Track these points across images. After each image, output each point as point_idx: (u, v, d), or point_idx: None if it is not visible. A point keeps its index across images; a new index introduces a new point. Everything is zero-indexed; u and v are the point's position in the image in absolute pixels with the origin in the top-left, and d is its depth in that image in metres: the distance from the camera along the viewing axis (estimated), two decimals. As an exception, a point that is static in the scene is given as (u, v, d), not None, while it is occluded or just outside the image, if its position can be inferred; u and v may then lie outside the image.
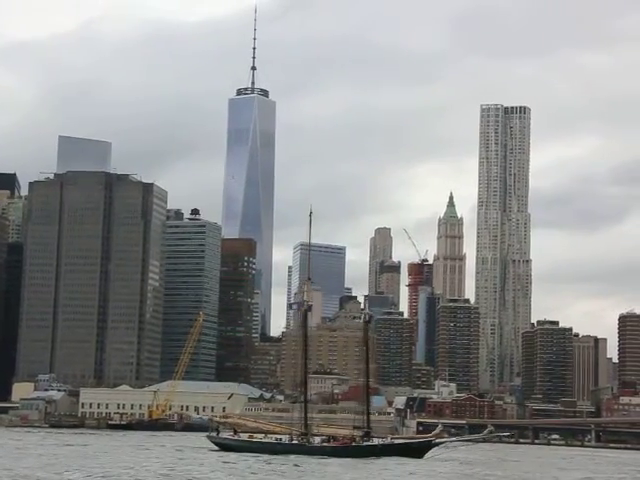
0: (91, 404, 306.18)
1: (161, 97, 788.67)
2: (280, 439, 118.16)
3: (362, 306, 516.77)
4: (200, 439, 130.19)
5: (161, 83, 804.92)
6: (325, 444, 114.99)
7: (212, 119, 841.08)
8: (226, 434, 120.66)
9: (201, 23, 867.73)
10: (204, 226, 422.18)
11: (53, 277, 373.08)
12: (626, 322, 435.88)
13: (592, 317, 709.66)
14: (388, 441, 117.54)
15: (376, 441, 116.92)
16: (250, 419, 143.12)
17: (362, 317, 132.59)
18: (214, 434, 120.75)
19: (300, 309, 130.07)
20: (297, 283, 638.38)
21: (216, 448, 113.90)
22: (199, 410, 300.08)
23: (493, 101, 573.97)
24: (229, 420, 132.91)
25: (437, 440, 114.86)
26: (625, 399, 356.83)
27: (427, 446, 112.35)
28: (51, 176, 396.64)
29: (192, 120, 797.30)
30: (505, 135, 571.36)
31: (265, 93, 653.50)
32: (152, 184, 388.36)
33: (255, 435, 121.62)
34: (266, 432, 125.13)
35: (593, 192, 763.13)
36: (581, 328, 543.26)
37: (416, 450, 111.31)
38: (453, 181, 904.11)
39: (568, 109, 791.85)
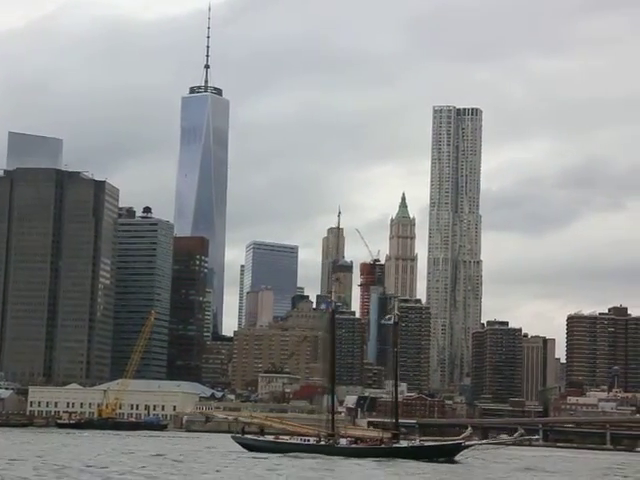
0: (40, 403, 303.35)
1: (114, 94, 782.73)
2: (307, 440, 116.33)
3: (314, 305, 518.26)
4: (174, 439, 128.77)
5: (114, 80, 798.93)
6: (354, 445, 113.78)
7: (165, 117, 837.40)
8: (252, 435, 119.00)
9: (155, 21, 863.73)
10: (156, 224, 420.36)
11: (2, 274, 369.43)
12: (574, 323, 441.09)
13: (541, 318, 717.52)
14: (417, 443, 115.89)
15: (404, 444, 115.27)
16: (276, 420, 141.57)
17: (392, 318, 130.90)
18: (239, 435, 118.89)
19: (328, 309, 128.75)
20: (249, 282, 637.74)
21: (241, 449, 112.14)
22: (149, 409, 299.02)
23: (448, 103, 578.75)
24: (255, 421, 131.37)
25: (467, 442, 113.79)
26: (572, 399, 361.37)
27: (457, 448, 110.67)
28: (1, 173, 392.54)
29: (145, 118, 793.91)
30: (457, 137, 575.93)
31: (218, 91, 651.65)
32: (104, 182, 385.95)
33: (281, 436, 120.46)
34: (292, 433, 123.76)
35: (542, 195, 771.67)
36: (530, 329, 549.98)
37: (446, 452, 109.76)
38: (406, 182, 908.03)
39: (520, 112, 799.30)
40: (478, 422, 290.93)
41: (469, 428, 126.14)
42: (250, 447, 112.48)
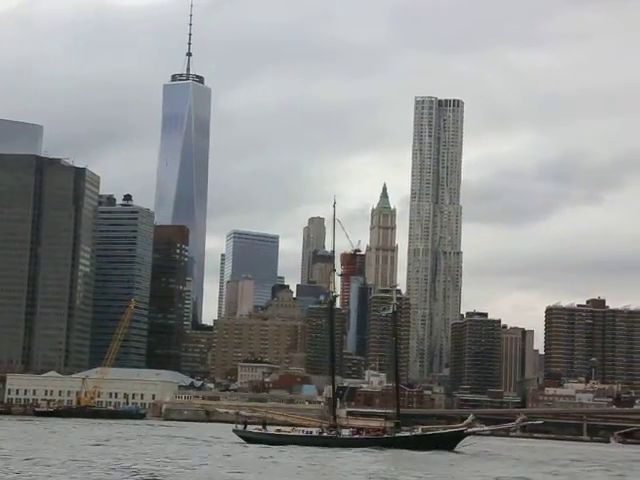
0: (18, 390, 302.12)
1: (95, 81, 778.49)
2: (310, 432, 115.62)
3: (294, 295, 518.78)
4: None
5: (95, 67, 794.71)
6: (357, 436, 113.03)
7: (146, 104, 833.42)
8: (254, 428, 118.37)
9: (137, 7, 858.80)
10: (137, 212, 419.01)
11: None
12: (552, 314, 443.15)
13: (520, 309, 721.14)
14: (419, 432, 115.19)
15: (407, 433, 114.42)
16: (278, 412, 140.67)
17: (391, 308, 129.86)
18: (241, 427, 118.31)
19: (326, 300, 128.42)
20: (230, 271, 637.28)
21: (243, 442, 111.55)
22: (128, 397, 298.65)
23: (429, 94, 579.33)
24: (257, 414, 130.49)
25: (469, 430, 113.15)
26: (550, 390, 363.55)
27: (459, 436, 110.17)
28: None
29: (126, 105, 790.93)
30: (439, 128, 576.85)
31: (200, 79, 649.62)
32: (84, 169, 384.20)
33: (283, 428, 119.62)
34: (294, 425, 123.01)
35: (522, 187, 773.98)
36: (509, 320, 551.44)
37: (449, 440, 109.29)
38: (387, 172, 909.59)
39: (502, 105, 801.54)
40: (456, 413, 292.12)
41: (471, 415, 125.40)
42: (252, 440, 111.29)
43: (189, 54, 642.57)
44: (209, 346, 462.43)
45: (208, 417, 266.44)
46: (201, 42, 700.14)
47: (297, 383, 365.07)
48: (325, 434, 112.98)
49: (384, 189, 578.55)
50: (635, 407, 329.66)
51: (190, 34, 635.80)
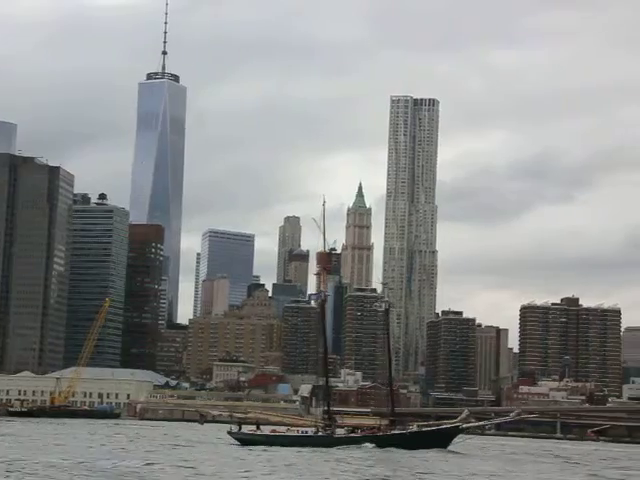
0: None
1: (70, 79, 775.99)
2: (306, 432, 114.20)
3: (270, 294, 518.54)
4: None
5: (70, 65, 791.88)
6: (352, 434, 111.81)
7: (121, 103, 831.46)
8: (248, 429, 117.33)
9: (113, 6, 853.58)
10: (111, 211, 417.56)
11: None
12: (527, 313, 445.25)
13: (494, 308, 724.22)
14: (415, 429, 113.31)
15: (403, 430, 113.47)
16: (272, 413, 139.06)
17: (382, 306, 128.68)
18: (236, 429, 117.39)
19: (318, 300, 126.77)
20: (205, 270, 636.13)
21: (238, 444, 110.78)
22: (103, 397, 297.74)
23: (405, 93, 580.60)
24: (250, 415, 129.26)
25: (464, 425, 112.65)
26: (524, 388, 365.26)
27: (455, 432, 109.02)
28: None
29: (101, 103, 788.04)
30: (414, 127, 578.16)
31: (176, 78, 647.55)
32: (58, 167, 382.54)
33: (277, 429, 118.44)
34: (289, 425, 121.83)
35: (496, 186, 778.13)
36: (484, 319, 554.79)
37: (445, 437, 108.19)
38: (363, 171, 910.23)
39: (477, 104, 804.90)
40: (431, 411, 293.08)
41: (466, 410, 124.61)
42: (247, 442, 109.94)
43: (164, 53, 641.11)
44: (184, 345, 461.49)
45: (183, 416, 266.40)
46: (176, 41, 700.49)
47: (272, 382, 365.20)
48: (321, 433, 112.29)
49: (360, 188, 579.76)
50: (608, 405, 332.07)
51: (165, 32, 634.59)
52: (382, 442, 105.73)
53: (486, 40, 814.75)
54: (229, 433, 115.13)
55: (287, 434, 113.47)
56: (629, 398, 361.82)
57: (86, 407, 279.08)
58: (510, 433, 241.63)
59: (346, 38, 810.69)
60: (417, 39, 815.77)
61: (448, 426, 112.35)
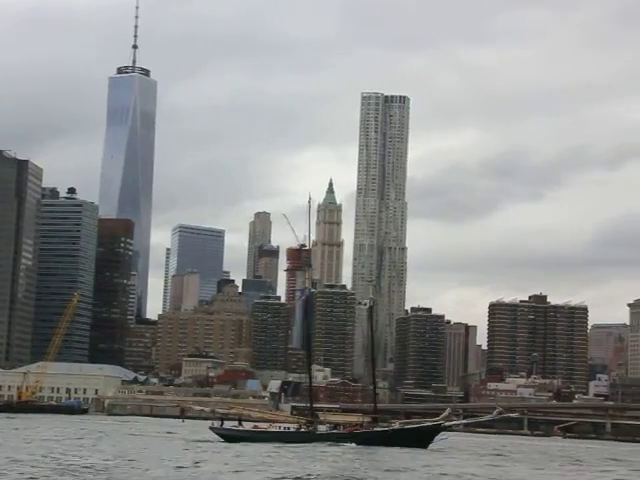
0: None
1: (39, 72, 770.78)
2: (288, 428, 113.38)
3: (239, 290, 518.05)
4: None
5: (39, 57, 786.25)
6: (335, 431, 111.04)
7: (91, 96, 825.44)
8: (230, 425, 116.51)
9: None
10: (80, 205, 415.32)
11: None
12: (495, 310, 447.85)
13: (463, 305, 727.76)
14: (397, 426, 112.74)
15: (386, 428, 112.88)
16: (254, 409, 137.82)
17: (367, 303, 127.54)
18: (217, 425, 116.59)
19: (302, 297, 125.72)
20: (175, 266, 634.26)
21: (220, 440, 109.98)
22: (71, 392, 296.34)
23: (377, 90, 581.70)
24: (232, 411, 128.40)
25: (446, 423, 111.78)
26: (492, 385, 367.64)
27: (437, 430, 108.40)
28: None
29: (71, 97, 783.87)
30: (385, 124, 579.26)
31: (146, 72, 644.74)
32: (27, 161, 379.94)
33: (259, 425, 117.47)
34: (271, 421, 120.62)
35: (466, 184, 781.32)
36: (453, 315, 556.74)
37: (427, 434, 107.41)
38: (334, 168, 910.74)
39: (448, 102, 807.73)
40: (400, 407, 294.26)
41: (448, 409, 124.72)
42: (229, 437, 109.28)
43: (135, 47, 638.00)
44: (153, 341, 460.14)
45: (151, 411, 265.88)
46: (147, 35, 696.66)
47: (241, 378, 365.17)
48: (303, 430, 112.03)
49: (330, 184, 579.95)
50: (574, 402, 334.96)
51: (136, 26, 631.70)
52: (364, 440, 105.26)
53: (458, 38, 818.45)
54: (211, 429, 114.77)
55: (269, 430, 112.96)
56: (595, 395, 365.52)
57: (53, 402, 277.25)
58: (478, 430, 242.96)
59: (317, 35, 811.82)
60: (388, 36, 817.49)
61: (431, 424, 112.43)
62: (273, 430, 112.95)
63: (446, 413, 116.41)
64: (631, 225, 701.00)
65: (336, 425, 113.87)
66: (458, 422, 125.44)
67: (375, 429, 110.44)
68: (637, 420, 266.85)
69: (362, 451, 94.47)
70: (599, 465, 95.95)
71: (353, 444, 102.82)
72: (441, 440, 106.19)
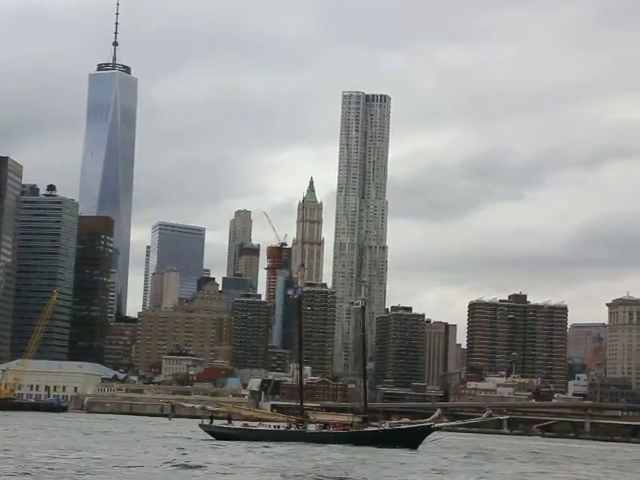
0: None
1: (19, 69, 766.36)
2: (278, 426, 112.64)
3: (220, 288, 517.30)
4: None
5: (19, 54, 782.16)
6: (325, 430, 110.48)
7: (72, 93, 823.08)
8: (220, 423, 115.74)
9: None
10: (60, 202, 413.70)
11: None
12: (475, 309, 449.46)
13: (443, 304, 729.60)
14: (387, 427, 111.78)
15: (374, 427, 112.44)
16: (244, 407, 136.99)
17: (360, 303, 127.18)
18: (207, 423, 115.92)
19: (293, 296, 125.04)
20: (155, 263, 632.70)
21: (210, 437, 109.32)
22: (50, 390, 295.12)
23: (358, 89, 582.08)
24: (222, 408, 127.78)
25: (436, 424, 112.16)
26: (472, 384, 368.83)
27: (427, 431, 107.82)
28: None
29: (51, 93, 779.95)
30: (366, 123, 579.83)
31: (127, 69, 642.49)
32: (7, 158, 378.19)
33: (249, 423, 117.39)
34: (260, 419, 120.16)
35: (446, 183, 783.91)
36: (433, 314, 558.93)
37: (418, 435, 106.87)
38: (315, 166, 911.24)
39: (430, 102, 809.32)
40: (379, 406, 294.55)
41: (438, 410, 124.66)
42: (219, 435, 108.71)
43: (115, 44, 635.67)
44: (133, 338, 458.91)
45: (131, 409, 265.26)
46: (128, 32, 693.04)
47: (221, 376, 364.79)
48: (293, 429, 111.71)
49: (311, 183, 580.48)
50: (553, 401, 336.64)
51: (117, 23, 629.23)
52: (354, 439, 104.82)
53: (438, 38, 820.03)
54: (200, 426, 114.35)
55: (259, 428, 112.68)
56: (574, 394, 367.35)
57: (32, 400, 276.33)
58: (458, 429, 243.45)
59: (299, 33, 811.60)
60: (369, 35, 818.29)
61: (421, 425, 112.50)
62: (263, 429, 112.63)
63: (436, 414, 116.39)
64: (610, 225, 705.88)
65: (326, 425, 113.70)
66: (448, 423, 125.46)
67: (366, 429, 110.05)
68: (615, 419, 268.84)
69: (348, 450, 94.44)
70: None
71: (343, 445, 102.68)
72: (432, 441, 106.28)
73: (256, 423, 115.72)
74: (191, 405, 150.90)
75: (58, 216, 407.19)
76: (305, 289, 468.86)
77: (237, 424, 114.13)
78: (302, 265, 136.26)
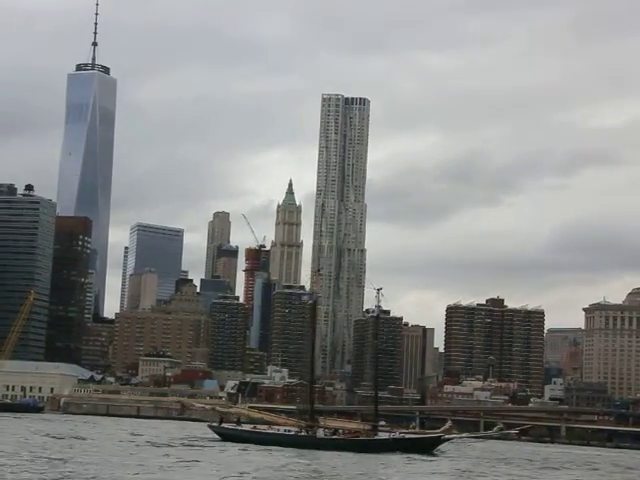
0: None
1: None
2: (288, 431, 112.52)
3: (198, 289, 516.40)
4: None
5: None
6: (335, 437, 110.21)
7: (50, 93, 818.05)
8: (229, 424, 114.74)
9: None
10: (38, 203, 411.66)
11: None
12: (453, 313, 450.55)
13: (421, 308, 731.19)
14: (398, 435, 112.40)
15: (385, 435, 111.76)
16: (254, 410, 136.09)
17: (375, 311, 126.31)
18: (216, 424, 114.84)
19: (310, 300, 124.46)
20: (133, 264, 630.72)
21: (218, 438, 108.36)
22: (26, 390, 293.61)
23: (337, 92, 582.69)
24: (232, 410, 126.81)
25: (447, 436, 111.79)
26: (449, 387, 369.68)
27: (437, 442, 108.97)
28: None
29: (29, 93, 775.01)
30: (345, 125, 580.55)
31: (106, 70, 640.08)
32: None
33: (259, 426, 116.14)
34: (270, 423, 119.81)
35: (424, 187, 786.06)
36: (411, 318, 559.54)
37: (427, 445, 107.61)
38: (294, 169, 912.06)
39: (409, 105, 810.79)
40: (356, 408, 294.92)
41: (449, 422, 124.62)
42: (228, 437, 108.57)
43: (95, 44, 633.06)
44: (110, 339, 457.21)
45: (107, 410, 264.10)
46: (107, 32, 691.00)
47: (199, 378, 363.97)
48: (303, 433, 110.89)
49: (290, 185, 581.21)
50: (530, 405, 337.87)
51: (96, 24, 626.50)
52: (367, 446, 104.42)
53: (418, 42, 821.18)
54: (209, 427, 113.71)
55: (268, 431, 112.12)
56: (550, 398, 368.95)
57: (8, 401, 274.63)
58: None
59: (279, 36, 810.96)
60: (349, 39, 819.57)
61: (430, 435, 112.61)
62: (273, 432, 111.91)
63: (447, 426, 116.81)
64: (586, 231, 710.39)
65: (336, 430, 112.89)
66: (458, 436, 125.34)
67: (376, 437, 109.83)
68: (591, 424, 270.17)
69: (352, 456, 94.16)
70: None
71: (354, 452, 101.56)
72: (445, 451, 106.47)
73: (265, 426, 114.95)
74: (201, 406, 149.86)
75: (36, 216, 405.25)
76: (283, 291, 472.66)
77: (246, 426, 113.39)
78: (318, 271, 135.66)
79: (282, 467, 74.67)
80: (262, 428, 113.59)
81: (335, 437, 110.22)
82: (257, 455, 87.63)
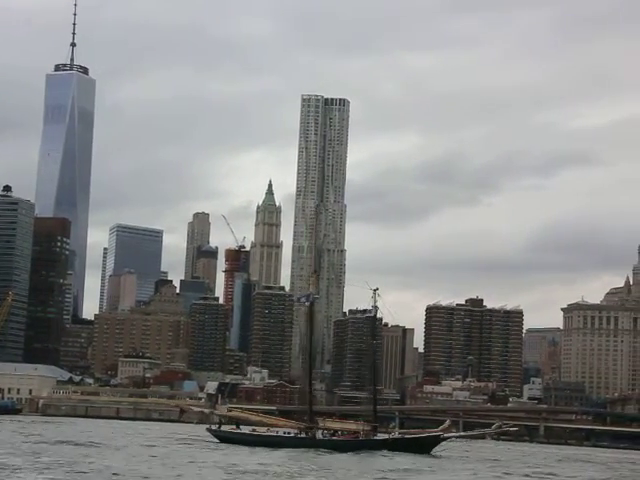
0: None
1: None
2: (288, 433, 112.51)
3: (177, 290, 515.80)
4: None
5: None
6: (334, 437, 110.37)
7: (29, 94, 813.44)
8: (228, 427, 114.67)
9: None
10: (16, 203, 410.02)
11: None
12: (432, 313, 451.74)
13: (401, 308, 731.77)
14: (397, 435, 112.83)
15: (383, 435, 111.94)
16: (253, 413, 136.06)
17: (372, 311, 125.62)
18: (215, 427, 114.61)
19: (306, 302, 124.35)
20: (112, 265, 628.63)
21: (217, 441, 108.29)
22: (4, 392, 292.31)
23: (317, 93, 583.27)
24: (232, 413, 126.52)
25: (445, 435, 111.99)
26: (429, 387, 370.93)
27: (437, 441, 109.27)
28: None
29: (7, 95, 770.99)
30: (325, 126, 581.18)
31: (85, 70, 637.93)
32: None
33: (258, 428, 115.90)
34: (269, 425, 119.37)
35: (404, 187, 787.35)
36: (390, 318, 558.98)
37: (426, 445, 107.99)
38: (274, 169, 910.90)
39: (389, 106, 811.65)
40: (335, 409, 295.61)
41: (447, 421, 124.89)
42: (227, 440, 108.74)
43: (73, 44, 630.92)
44: (89, 341, 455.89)
45: (86, 412, 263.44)
46: (86, 33, 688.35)
47: (178, 379, 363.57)
48: (302, 435, 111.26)
49: (269, 186, 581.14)
50: (509, 405, 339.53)
51: (74, 24, 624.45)
52: (366, 447, 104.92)
53: (398, 42, 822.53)
54: (208, 430, 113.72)
55: (269, 434, 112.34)
56: (529, 398, 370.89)
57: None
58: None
59: (258, 36, 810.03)
60: (329, 39, 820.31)
61: (429, 435, 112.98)
62: (272, 434, 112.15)
63: (445, 425, 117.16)
64: (565, 231, 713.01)
65: (335, 432, 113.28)
66: (456, 434, 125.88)
67: (375, 437, 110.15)
68: (569, 423, 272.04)
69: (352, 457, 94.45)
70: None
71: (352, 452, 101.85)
72: (443, 450, 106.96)
73: (265, 428, 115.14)
74: (199, 409, 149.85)
75: (14, 217, 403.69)
76: (263, 292, 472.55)
77: (245, 429, 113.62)
78: (315, 272, 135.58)
79: (282, 466, 75.07)
80: (261, 430, 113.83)
81: (334, 438, 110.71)
82: (257, 456, 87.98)
